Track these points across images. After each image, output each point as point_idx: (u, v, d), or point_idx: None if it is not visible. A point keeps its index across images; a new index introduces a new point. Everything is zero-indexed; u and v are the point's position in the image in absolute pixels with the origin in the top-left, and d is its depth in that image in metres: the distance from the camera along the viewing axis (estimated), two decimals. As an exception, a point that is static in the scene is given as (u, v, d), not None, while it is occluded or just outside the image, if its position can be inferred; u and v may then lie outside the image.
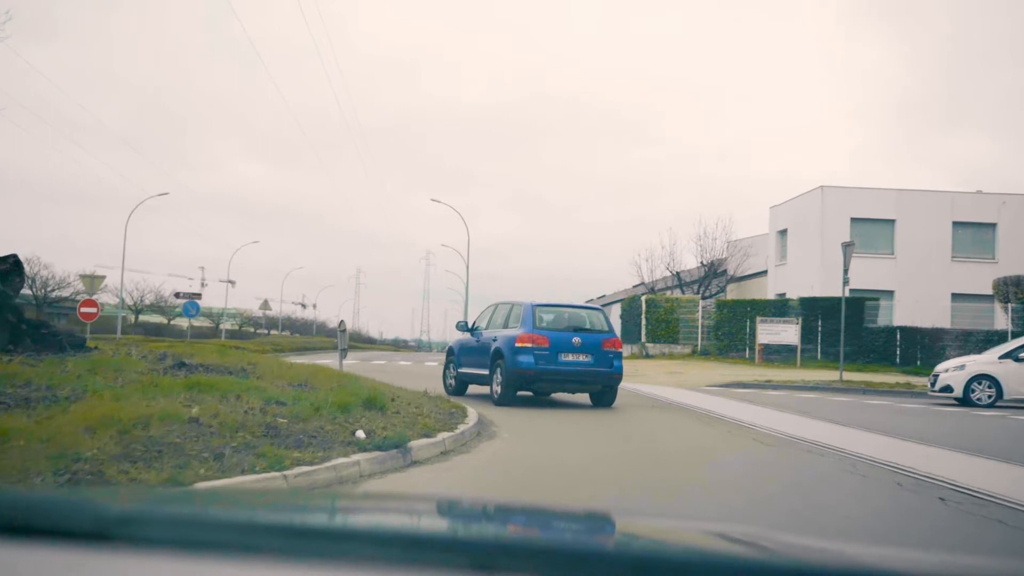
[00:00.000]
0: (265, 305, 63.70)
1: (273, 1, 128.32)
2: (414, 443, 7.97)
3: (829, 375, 26.60)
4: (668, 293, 46.02)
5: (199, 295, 37.51)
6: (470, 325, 16.65)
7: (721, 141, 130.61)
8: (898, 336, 33.67)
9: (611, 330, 15.18)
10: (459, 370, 16.56)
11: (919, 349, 33.24)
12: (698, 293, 45.76)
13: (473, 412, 11.58)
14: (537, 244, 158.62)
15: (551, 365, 14.08)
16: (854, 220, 38.88)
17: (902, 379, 26.19)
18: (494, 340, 14.91)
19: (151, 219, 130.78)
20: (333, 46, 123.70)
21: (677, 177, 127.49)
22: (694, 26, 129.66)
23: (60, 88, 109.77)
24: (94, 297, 33.28)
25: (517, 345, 14.09)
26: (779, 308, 35.63)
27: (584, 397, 16.05)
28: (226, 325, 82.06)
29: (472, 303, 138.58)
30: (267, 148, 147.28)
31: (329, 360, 38.95)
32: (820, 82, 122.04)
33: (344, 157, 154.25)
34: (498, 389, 14.51)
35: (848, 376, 25.14)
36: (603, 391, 14.98)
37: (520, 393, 14.87)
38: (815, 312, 34.14)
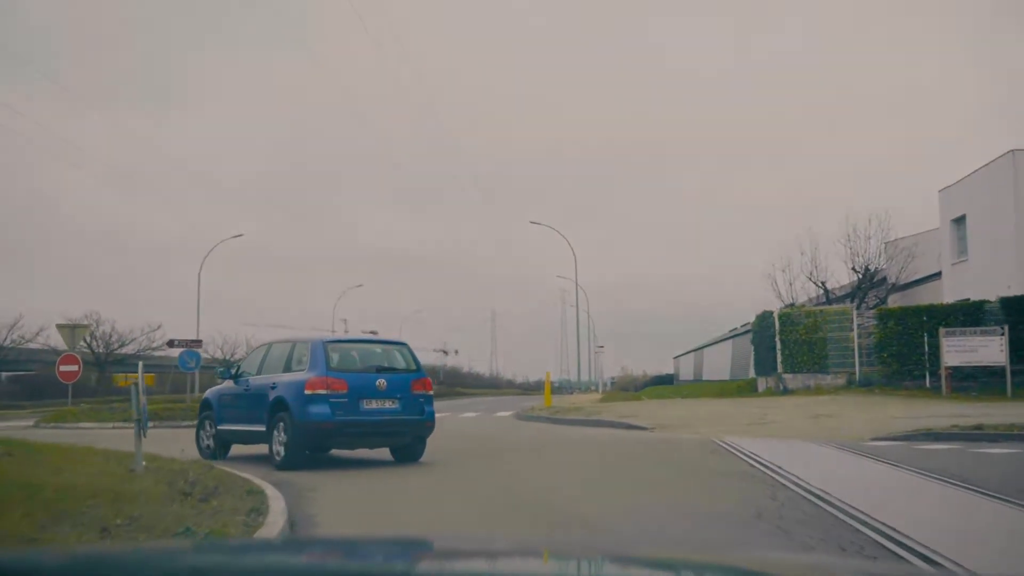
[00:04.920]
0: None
1: (371, 66, 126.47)
2: None
3: (1071, 410, 16.96)
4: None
5: (199, 342, 30.82)
6: (233, 371, 13.72)
7: (863, 156, 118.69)
8: None
9: (419, 368, 12.88)
10: (219, 427, 13.47)
11: None
12: (852, 304, 35.89)
13: (277, 498, 7.88)
14: (674, 277, 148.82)
15: (352, 415, 11.76)
16: (1062, 192, 28.55)
17: None
18: (272, 387, 12.28)
19: (292, 277, 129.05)
20: (439, 96, 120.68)
21: (822, 197, 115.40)
22: (818, 42, 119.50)
23: (160, 149, 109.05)
24: (75, 352, 26.75)
25: (307, 392, 11.63)
26: (970, 314, 25.69)
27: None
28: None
29: (605, 339, 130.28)
30: (396, 203, 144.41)
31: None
32: (963, 83, 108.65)
33: (473, 203, 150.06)
34: (282, 449, 11.87)
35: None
36: (412, 443, 12.77)
37: None
38: (1024, 318, 24.16)
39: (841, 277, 42.21)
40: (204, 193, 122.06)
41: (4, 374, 49.74)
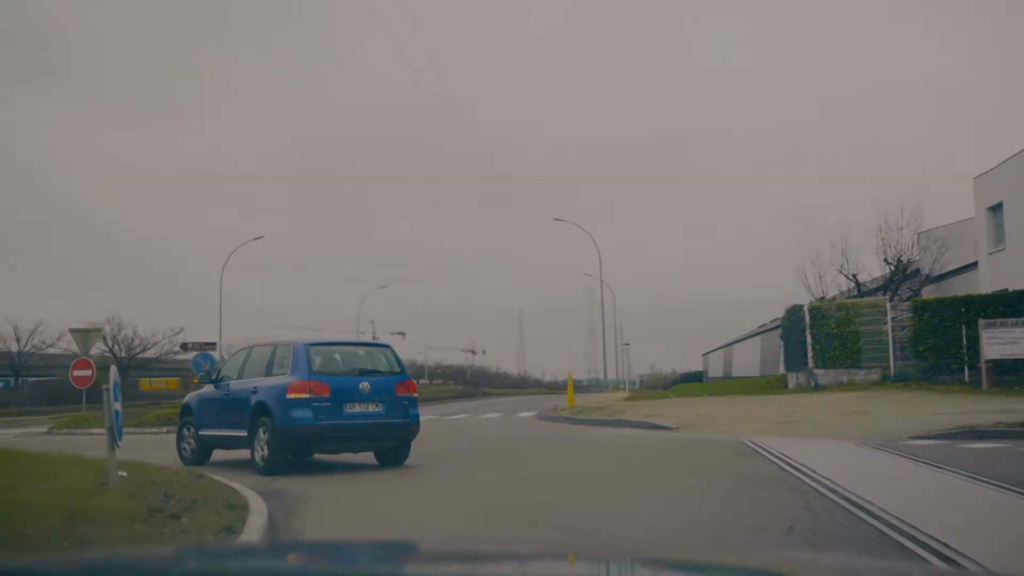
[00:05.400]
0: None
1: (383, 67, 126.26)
2: None
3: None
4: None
5: (213, 345, 30.25)
6: (214, 376, 13.43)
7: (893, 147, 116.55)
8: None
9: (404, 371, 12.59)
10: (201, 432, 13.14)
11: None
12: (885, 296, 34.75)
13: (258, 514, 7.15)
14: (701, 275, 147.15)
15: (335, 419, 11.43)
16: (1105, 176, 27.35)
17: None
18: (254, 392, 11.99)
19: (323, 278, 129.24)
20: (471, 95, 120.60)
21: (852, 191, 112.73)
22: (845, 33, 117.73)
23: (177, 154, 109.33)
24: (89, 357, 26.31)
25: (290, 396, 11.36)
26: (1011, 305, 24.56)
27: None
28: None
29: (634, 338, 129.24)
30: (420, 203, 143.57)
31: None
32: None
33: (499, 203, 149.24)
34: (264, 454, 11.62)
35: None
36: (396, 447, 12.41)
37: None
38: (1069, 307, 23.04)
39: (872, 269, 40.99)
40: (228, 197, 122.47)
41: (28, 380, 49.60)
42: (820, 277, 40.97)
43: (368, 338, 74.81)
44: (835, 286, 41.53)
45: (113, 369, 7.73)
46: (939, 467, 9.96)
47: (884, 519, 6.77)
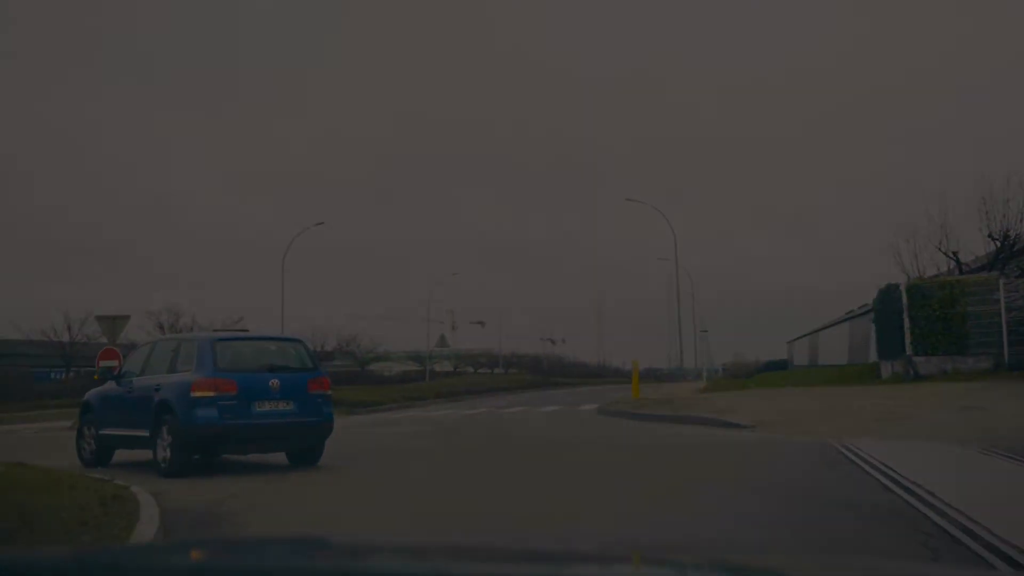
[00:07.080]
0: (442, 342, 55.31)
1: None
2: None
3: None
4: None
5: (245, 332, 28.41)
6: (115, 371, 13.41)
7: (991, 120, 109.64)
8: None
9: (316, 367, 12.10)
10: (101, 431, 12.56)
11: None
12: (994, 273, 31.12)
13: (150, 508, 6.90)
14: (789, 259, 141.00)
15: (242, 418, 10.89)
16: None
17: None
18: (156, 389, 11.34)
19: (395, 267, 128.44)
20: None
21: (948, 169, 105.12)
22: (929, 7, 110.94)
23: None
24: (116, 346, 24.79)
25: (194, 395, 10.78)
26: None
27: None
28: (440, 366, 74.76)
29: (718, 325, 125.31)
30: (497, 189, 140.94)
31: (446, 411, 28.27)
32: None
33: (577, 188, 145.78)
34: (167, 455, 10.92)
35: None
36: (309, 447, 11.83)
37: None
38: None
39: (975, 247, 37.17)
40: (303, 187, 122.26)
41: (73, 371, 48.90)
42: (916, 256, 37.34)
43: (447, 328, 73.50)
44: (933, 265, 37.86)
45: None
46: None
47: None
